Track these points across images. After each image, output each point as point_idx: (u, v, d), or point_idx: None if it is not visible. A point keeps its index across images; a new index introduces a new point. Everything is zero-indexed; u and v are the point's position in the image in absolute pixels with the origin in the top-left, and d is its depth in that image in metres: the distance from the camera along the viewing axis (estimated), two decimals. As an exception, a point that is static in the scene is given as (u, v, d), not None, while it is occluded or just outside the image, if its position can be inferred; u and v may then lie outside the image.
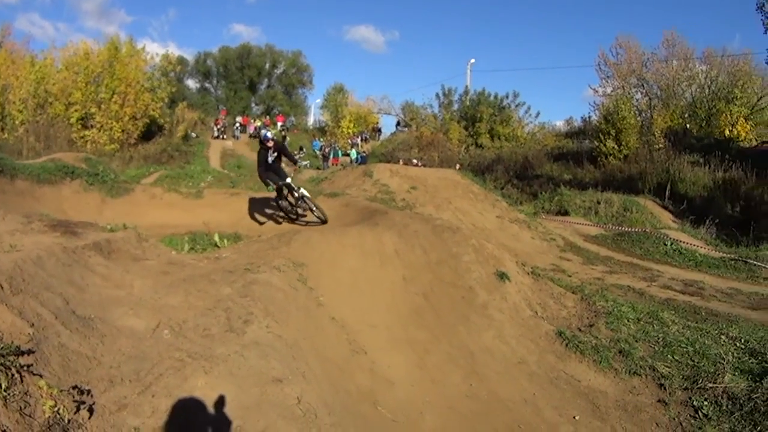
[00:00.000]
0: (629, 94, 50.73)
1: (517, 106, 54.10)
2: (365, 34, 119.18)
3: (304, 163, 44.18)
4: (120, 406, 4.15)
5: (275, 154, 14.16)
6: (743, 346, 8.71)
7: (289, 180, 14.01)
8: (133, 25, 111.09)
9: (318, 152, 50.72)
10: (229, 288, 6.21)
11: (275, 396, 4.58)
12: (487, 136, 50.49)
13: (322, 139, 56.42)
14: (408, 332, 6.99)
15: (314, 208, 13.87)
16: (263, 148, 14.12)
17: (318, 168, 41.77)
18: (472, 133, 50.62)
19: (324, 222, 13.42)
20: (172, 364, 4.69)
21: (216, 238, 10.91)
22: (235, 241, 10.76)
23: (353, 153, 49.16)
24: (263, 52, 70.84)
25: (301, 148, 49.36)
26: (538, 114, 75.36)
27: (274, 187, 13.88)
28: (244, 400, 4.45)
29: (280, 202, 14.43)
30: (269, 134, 14.16)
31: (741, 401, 7.12)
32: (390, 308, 7.29)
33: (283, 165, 14.18)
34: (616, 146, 38.79)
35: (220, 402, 4.39)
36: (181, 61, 64.70)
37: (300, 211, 14.35)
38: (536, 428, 6.42)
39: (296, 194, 13.87)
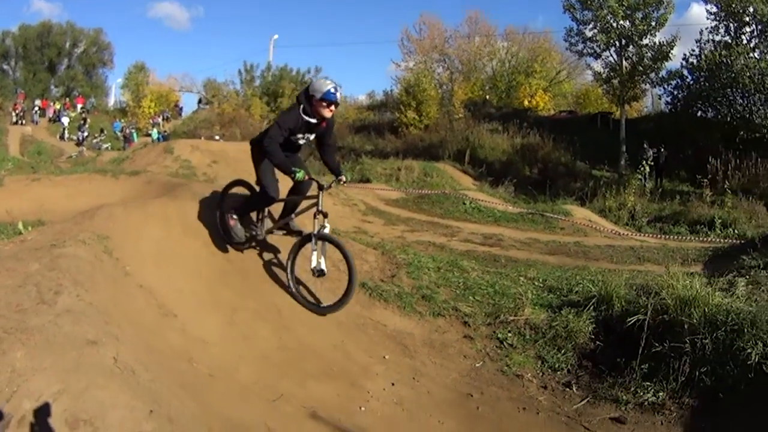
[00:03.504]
0: (431, 68, 51.97)
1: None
2: (169, 11, 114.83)
3: (105, 145, 43.14)
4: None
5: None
6: (542, 285, 9.45)
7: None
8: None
9: (119, 134, 49.11)
10: (37, 264, 6.13)
11: (92, 357, 4.67)
12: (289, 111, 50.01)
13: (123, 120, 54.31)
14: (215, 294, 7.19)
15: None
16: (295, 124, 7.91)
17: (119, 150, 39.82)
18: (274, 108, 49.99)
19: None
20: (-12, 342, 4.70)
21: (20, 226, 10.30)
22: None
23: (154, 133, 47.96)
24: (64, 30, 66.24)
25: (102, 131, 47.71)
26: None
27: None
28: (64, 364, 4.50)
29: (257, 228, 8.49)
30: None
31: (543, 330, 7.79)
32: (196, 273, 7.42)
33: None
34: (417, 117, 39.85)
35: (41, 369, 4.41)
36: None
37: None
38: (348, 370, 6.69)
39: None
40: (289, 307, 7.62)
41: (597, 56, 36.04)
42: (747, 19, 32.81)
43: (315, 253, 7.64)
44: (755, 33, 32.90)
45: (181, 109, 61.52)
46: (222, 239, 8.28)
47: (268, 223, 8.43)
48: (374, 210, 21.63)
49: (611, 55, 35.34)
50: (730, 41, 33.20)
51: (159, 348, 5.71)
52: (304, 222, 8.12)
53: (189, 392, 5.06)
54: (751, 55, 32.09)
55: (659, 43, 34.27)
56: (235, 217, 8.24)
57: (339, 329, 7.51)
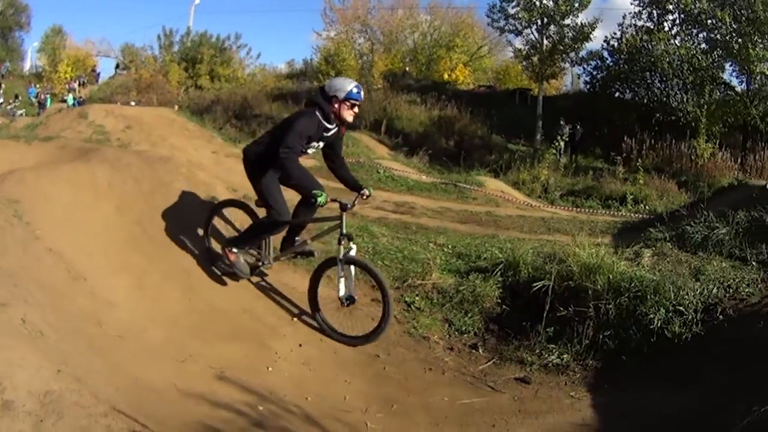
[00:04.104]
0: (352, 38, 51.70)
1: (238, 47, 53.24)
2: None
3: (20, 112, 41.78)
4: None
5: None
6: (450, 251, 9.58)
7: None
8: None
9: (34, 99, 47.97)
10: (-55, 230, 6.05)
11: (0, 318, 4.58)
12: (208, 77, 49.21)
13: (38, 86, 52.78)
14: (125, 258, 7.07)
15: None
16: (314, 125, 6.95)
17: (34, 116, 38.62)
18: (192, 74, 49.11)
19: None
20: None
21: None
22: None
23: (70, 99, 46.64)
24: (-22, -9, 63.67)
25: (16, 96, 46.48)
26: (258, 55, 75.58)
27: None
28: (-29, 326, 4.48)
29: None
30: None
31: (450, 294, 7.99)
32: (106, 237, 7.28)
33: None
34: None
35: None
36: None
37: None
38: (256, 331, 6.76)
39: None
40: (198, 271, 7.55)
41: (518, 33, 36.51)
42: (670, 7, 33.93)
43: (342, 279, 7.01)
44: (677, 21, 34.04)
45: (98, 74, 60.05)
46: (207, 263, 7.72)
47: (274, 247, 7.63)
48: None
49: (532, 33, 35.80)
50: (652, 27, 34.24)
51: (68, 310, 5.64)
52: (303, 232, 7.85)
53: (97, 353, 5.04)
54: (672, 41, 33.14)
55: (581, 24, 34.85)
56: (235, 251, 7.37)
57: (248, 292, 7.52)
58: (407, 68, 49.07)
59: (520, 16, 35.04)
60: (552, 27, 35.08)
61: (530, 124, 34.62)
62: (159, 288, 6.85)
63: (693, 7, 31.66)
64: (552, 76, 38.17)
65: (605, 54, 36.70)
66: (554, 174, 26.61)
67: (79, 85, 53.89)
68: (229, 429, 4.61)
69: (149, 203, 8.17)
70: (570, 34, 34.92)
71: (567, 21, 34.77)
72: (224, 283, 7.51)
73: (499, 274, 8.12)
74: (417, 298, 7.92)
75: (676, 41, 33.27)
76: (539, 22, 34.89)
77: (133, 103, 35.63)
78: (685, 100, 32.22)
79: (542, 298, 7.28)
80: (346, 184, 7.36)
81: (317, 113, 6.83)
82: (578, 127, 31.68)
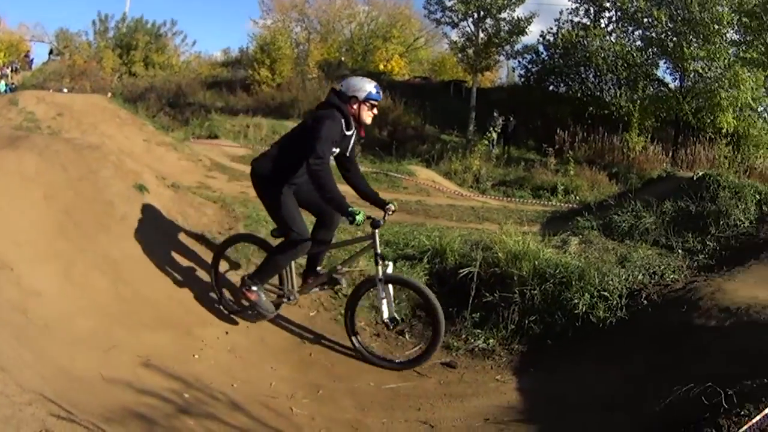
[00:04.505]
0: (289, 27, 51.35)
1: (174, 34, 52.45)
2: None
3: None
4: None
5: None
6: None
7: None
8: None
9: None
10: None
11: None
12: (142, 64, 48.39)
13: (-32, 73, 50.92)
14: (53, 246, 6.89)
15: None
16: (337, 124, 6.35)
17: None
18: (126, 61, 48.25)
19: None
20: None
21: None
22: None
23: (2, 85, 45.03)
24: None
25: None
26: (194, 43, 74.74)
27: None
28: None
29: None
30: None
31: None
32: (33, 226, 7.08)
33: None
34: (270, 75, 39.24)
35: None
36: None
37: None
38: (183, 319, 6.70)
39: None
40: (126, 260, 7.35)
41: (455, 25, 36.84)
42: (607, 4, 34.92)
43: (384, 301, 6.49)
44: (614, 19, 35.09)
45: (31, 60, 58.08)
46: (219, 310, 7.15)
47: (296, 276, 6.95)
48: (219, 166, 21.67)
49: (468, 25, 36.07)
50: (588, 23, 35.11)
51: (-7, 300, 5.60)
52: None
53: (23, 343, 4.95)
54: (608, 38, 34.00)
55: (517, 18, 35.36)
56: (254, 288, 6.63)
57: (176, 281, 7.38)
58: (343, 58, 48.99)
59: (456, 8, 35.28)
60: (488, 20, 35.44)
61: (464, 116, 34.99)
62: (86, 277, 6.70)
63: (630, 5, 32.54)
64: (486, 69, 38.71)
65: (541, 48, 37.28)
66: (486, 164, 26.94)
67: (12, 71, 52.31)
68: (155, 415, 4.55)
69: (77, 191, 7.99)
70: (506, 28, 35.42)
71: (503, 15, 35.24)
72: (152, 273, 7.34)
73: (426, 261, 8.17)
74: (345, 285, 7.62)
75: (612, 38, 34.14)
76: (476, 14, 35.17)
77: (65, 90, 35.02)
78: (618, 94, 33.01)
79: (468, 284, 7.35)
80: (366, 198, 6.76)
81: (338, 115, 6.26)
82: (511, 119, 31.96)
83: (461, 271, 7.43)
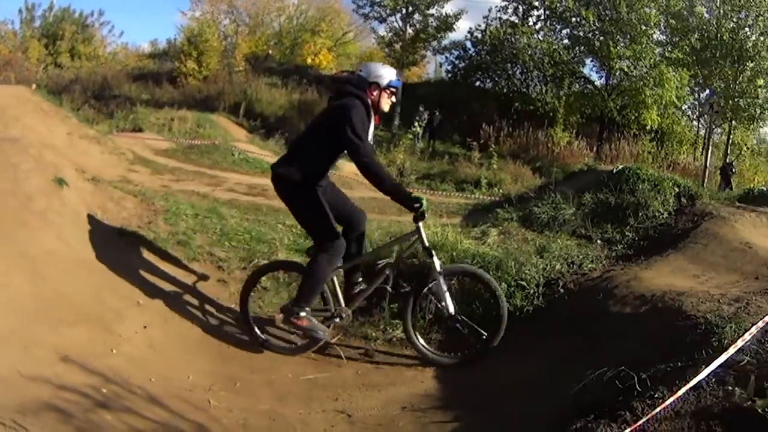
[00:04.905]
0: (217, 19, 50.93)
1: (101, 24, 51.54)
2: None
3: None
4: None
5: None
6: (299, 232, 9.35)
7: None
8: None
9: None
10: None
11: None
12: (68, 55, 47.39)
13: None
14: None
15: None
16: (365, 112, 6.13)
17: None
18: (52, 51, 47.18)
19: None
20: None
21: None
22: None
23: None
24: None
25: None
26: (121, 33, 73.70)
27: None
28: None
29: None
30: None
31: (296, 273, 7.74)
32: None
33: None
34: (196, 67, 38.73)
35: None
36: None
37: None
38: (102, 315, 6.51)
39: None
40: (44, 255, 7.11)
41: (383, 20, 37.10)
42: (536, 3, 35.96)
43: (447, 295, 6.21)
44: (542, 17, 36.20)
45: (-44, 51, 56.76)
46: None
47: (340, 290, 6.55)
48: (142, 159, 21.32)
49: (396, 20, 36.47)
50: (517, 21, 36.08)
51: None
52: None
53: None
54: (535, 36, 35.11)
55: (445, 14, 35.89)
56: (302, 314, 6.18)
57: (94, 276, 7.18)
58: (270, 51, 48.81)
59: (385, 3, 35.51)
60: (416, 15, 35.88)
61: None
62: (4, 274, 6.47)
63: (558, 4, 33.47)
64: (413, 64, 39.31)
65: (468, 44, 37.90)
66: (411, 158, 27.28)
67: (-69, 61, 50.94)
68: (73, 410, 4.48)
69: (-5, 186, 8.12)
70: (434, 24, 35.83)
71: (432, 11, 35.73)
72: (70, 268, 7.14)
73: None
74: (263, 278, 7.69)
75: (539, 36, 35.15)
76: (404, 10, 35.56)
77: (-12, 82, 34.17)
78: (544, 91, 34.02)
79: (387, 275, 7.14)
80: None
81: (359, 103, 5.96)
82: (437, 113, 32.38)
83: (379, 262, 7.15)
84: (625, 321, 5.84)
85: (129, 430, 4.63)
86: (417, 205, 5.76)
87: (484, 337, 6.31)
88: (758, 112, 31.58)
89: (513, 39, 34.54)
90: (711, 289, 5.99)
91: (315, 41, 49.13)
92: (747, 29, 30.77)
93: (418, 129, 28.57)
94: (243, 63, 41.45)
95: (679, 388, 4.06)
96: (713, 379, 4.19)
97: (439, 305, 6.37)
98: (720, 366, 4.25)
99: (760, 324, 4.72)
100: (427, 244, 6.22)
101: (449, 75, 40.17)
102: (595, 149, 30.49)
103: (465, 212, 13.16)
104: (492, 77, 37.33)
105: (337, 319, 6.43)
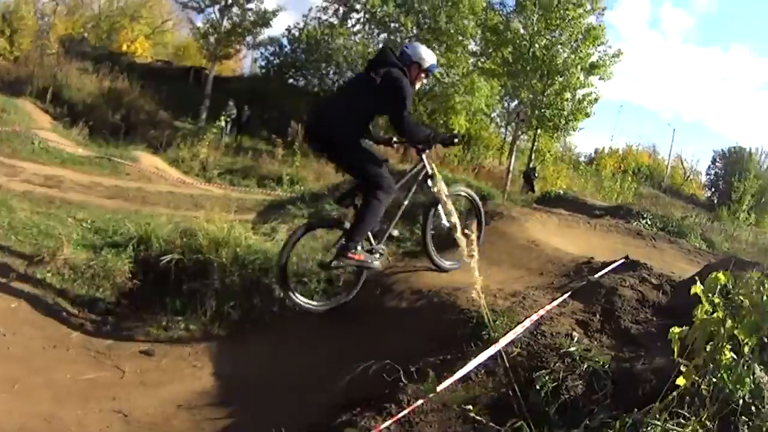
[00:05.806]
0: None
1: None
2: None
3: None
4: None
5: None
6: (89, 226, 9.50)
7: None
8: None
9: None
10: None
11: None
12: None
13: None
14: None
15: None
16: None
17: None
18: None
19: None
20: None
21: None
22: None
23: None
24: None
25: None
26: None
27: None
28: None
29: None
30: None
31: (82, 269, 7.77)
32: None
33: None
34: (8, 47, 36.27)
35: None
36: None
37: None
38: None
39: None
40: None
41: (200, 11, 36.44)
42: (358, 6, 36.45)
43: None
44: (362, 20, 36.72)
45: None
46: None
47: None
48: None
49: (214, 12, 35.92)
50: (335, 22, 36.53)
51: None
52: None
53: None
54: (353, 38, 35.73)
55: (264, 9, 35.84)
56: (358, 248, 6.56)
57: None
58: (86, 35, 46.80)
59: (201, -7, 35.00)
60: (235, 9, 35.51)
61: (200, 103, 34.82)
62: None
63: (379, 9, 34.12)
64: (226, 57, 38.69)
65: (285, 41, 38.19)
66: (214, 153, 27.22)
67: None
68: None
69: None
70: (251, 18, 35.63)
71: (251, 5, 35.60)
72: None
73: (131, 248, 8.15)
74: (48, 274, 7.63)
75: (357, 38, 35.79)
76: (223, 2, 35.12)
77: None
78: None
79: (174, 271, 7.48)
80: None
81: (405, 77, 6.55)
82: (246, 108, 32.46)
83: (163, 258, 7.50)
84: (402, 315, 6.17)
85: None
86: (455, 139, 7.33)
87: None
88: (563, 122, 33.02)
89: (329, 39, 34.98)
90: (492, 284, 6.29)
91: (133, 27, 47.71)
92: (559, 47, 32.13)
93: (223, 123, 28.48)
94: (57, 45, 39.45)
95: (446, 379, 4.30)
96: (482, 371, 4.48)
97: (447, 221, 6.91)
98: (490, 358, 4.52)
99: (534, 317, 5.12)
100: (431, 171, 6.97)
101: (263, 71, 40.36)
102: (402, 151, 31.00)
103: (260, 208, 13.38)
104: (305, 75, 37.77)
105: (379, 255, 6.86)
